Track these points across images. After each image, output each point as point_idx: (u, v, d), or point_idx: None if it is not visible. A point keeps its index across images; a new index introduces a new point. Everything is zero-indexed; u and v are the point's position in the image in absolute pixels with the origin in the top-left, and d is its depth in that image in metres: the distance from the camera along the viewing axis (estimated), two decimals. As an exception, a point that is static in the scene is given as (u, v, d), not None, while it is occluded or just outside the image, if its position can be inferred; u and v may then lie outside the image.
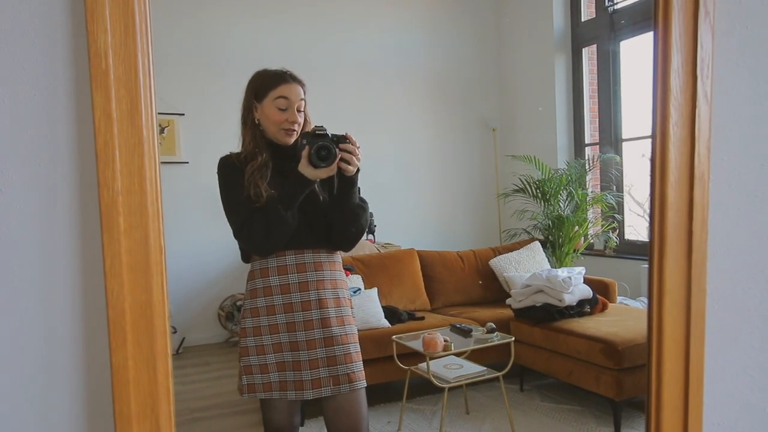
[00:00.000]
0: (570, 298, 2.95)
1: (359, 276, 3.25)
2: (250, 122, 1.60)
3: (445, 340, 2.54)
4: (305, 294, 1.57)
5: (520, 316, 3.14)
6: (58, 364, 1.01)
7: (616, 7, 4.10)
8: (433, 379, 2.51)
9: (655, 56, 1.17)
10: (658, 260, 1.18)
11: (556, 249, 4.00)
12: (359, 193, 1.62)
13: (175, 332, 3.57)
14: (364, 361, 1.64)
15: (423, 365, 2.58)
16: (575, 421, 2.66)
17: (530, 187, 4.17)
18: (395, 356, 2.72)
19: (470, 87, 5.21)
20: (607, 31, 4.14)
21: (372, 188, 2.12)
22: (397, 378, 2.86)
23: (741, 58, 1.24)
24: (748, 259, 1.26)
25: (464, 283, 3.71)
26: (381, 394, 2.97)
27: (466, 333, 2.74)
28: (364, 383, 1.60)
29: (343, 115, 4.22)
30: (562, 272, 3.02)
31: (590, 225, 4.09)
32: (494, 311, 3.37)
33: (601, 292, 3.23)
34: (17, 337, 0.99)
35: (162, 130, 3.95)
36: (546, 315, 2.97)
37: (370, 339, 2.79)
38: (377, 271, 3.46)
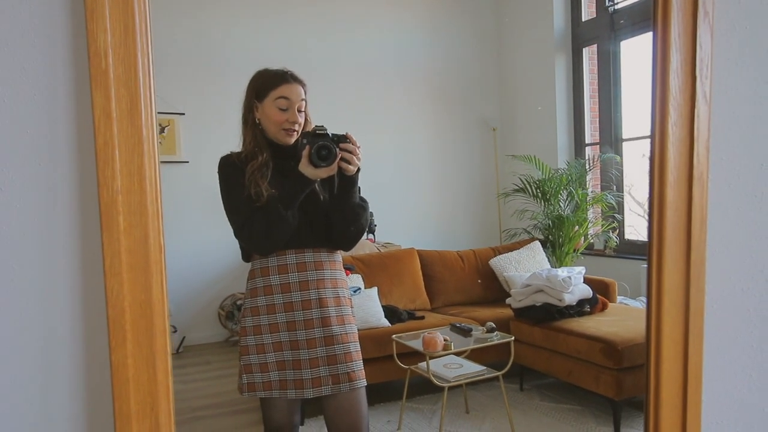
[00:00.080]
0: (570, 298, 2.95)
1: (359, 275, 3.25)
2: (250, 122, 1.60)
3: (444, 340, 2.54)
4: (305, 293, 1.57)
5: (520, 315, 3.14)
6: (57, 362, 1.01)
7: (616, 7, 4.10)
8: (432, 378, 2.51)
9: (654, 56, 1.17)
10: (657, 260, 1.18)
11: (556, 249, 4.01)
12: (359, 193, 1.62)
13: (176, 331, 3.58)
14: (364, 361, 1.64)
15: (423, 364, 2.59)
16: (575, 420, 2.66)
17: (530, 186, 4.17)
18: (395, 355, 2.72)
19: (470, 87, 5.21)
20: (607, 31, 4.14)
21: (372, 188, 2.12)
22: (397, 377, 2.86)
23: (740, 58, 1.24)
24: (746, 258, 1.26)
25: (464, 283, 3.71)
26: (381, 394, 2.97)
27: (465, 332, 2.74)
28: (364, 382, 1.60)
29: (343, 115, 4.23)
30: (562, 272, 3.02)
31: (590, 225, 4.09)
32: (494, 311, 3.37)
33: (601, 292, 3.23)
34: (17, 335, 0.99)
35: (162, 130, 3.95)
36: (546, 315, 2.97)
37: (370, 338, 2.80)
38: (377, 270, 3.46)
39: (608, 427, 2.57)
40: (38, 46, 0.97)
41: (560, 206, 4.07)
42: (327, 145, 1.49)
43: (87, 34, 0.94)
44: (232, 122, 1.73)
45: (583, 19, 4.50)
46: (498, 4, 5.28)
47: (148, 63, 0.98)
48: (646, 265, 1.22)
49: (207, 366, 3.50)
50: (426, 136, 5.05)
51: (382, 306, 3.14)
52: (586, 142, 4.53)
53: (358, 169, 1.55)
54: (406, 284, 3.53)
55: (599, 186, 4.19)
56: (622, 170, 3.93)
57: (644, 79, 1.21)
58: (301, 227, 1.56)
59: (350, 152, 1.52)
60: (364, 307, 2.99)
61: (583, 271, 3.14)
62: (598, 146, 4.32)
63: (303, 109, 1.59)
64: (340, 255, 1.69)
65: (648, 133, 1.21)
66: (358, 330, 1.68)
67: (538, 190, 4.13)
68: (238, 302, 3.88)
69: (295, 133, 1.58)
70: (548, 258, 3.89)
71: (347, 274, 2.22)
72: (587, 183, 4.15)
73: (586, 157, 4.40)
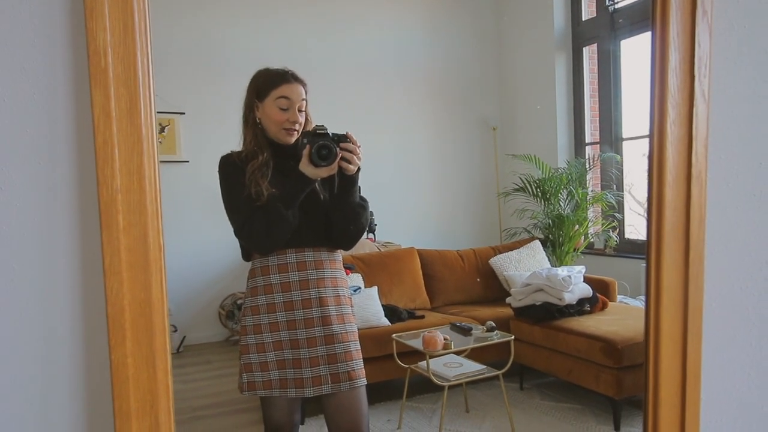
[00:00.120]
0: (570, 297, 2.95)
1: (359, 275, 3.26)
2: (251, 121, 1.61)
3: (444, 339, 2.55)
4: (306, 292, 1.57)
5: (520, 314, 3.14)
6: (57, 361, 1.01)
7: (616, 6, 4.09)
8: (433, 377, 2.51)
9: (652, 55, 1.17)
10: (656, 259, 1.18)
11: (556, 248, 4.01)
12: (360, 192, 1.62)
13: (176, 331, 3.58)
14: (365, 360, 1.64)
15: (423, 363, 2.59)
16: (575, 419, 2.66)
17: (530, 186, 4.17)
18: (395, 354, 2.72)
19: (470, 87, 5.21)
20: (607, 30, 4.13)
21: (372, 188, 2.12)
22: (397, 376, 2.86)
23: (738, 57, 1.24)
24: (745, 257, 1.26)
25: (464, 282, 3.71)
26: (381, 393, 2.97)
27: (466, 331, 2.74)
28: (364, 381, 1.60)
29: (343, 114, 4.22)
30: (562, 271, 3.02)
31: (590, 224, 4.09)
32: (494, 310, 3.37)
33: (601, 291, 3.23)
34: (17, 333, 0.99)
35: (162, 129, 3.96)
36: (546, 314, 2.98)
37: (370, 337, 2.80)
38: (377, 269, 3.47)
39: (608, 426, 2.57)
40: (38, 46, 0.97)
41: (560, 205, 4.07)
42: (327, 145, 1.49)
43: (86, 32, 0.95)
44: (232, 122, 1.73)
45: (583, 19, 4.50)
46: (498, 4, 5.28)
47: (148, 62, 0.98)
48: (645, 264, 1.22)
49: (207, 365, 3.50)
50: (426, 135, 5.05)
51: (383, 305, 3.14)
52: (586, 141, 4.53)
53: (359, 169, 1.55)
54: (406, 283, 3.53)
55: (599, 185, 4.18)
56: (622, 169, 3.92)
57: (644, 79, 1.21)
58: (301, 226, 1.56)
59: (350, 152, 1.52)
60: (364, 306, 3.00)
61: (583, 270, 3.14)
62: (598, 145, 4.31)
63: (303, 109, 1.60)
64: (340, 254, 1.69)
65: (648, 132, 1.21)
66: (359, 329, 1.68)
67: (538, 190, 4.13)
68: (239, 302, 3.88)
69: (296, 132, 1.59)
70: (548, 257, 3.90)
71: (347, 273, 2.22)
72: (587, 182, 4.15)
73: (586, 157, 4.39)
